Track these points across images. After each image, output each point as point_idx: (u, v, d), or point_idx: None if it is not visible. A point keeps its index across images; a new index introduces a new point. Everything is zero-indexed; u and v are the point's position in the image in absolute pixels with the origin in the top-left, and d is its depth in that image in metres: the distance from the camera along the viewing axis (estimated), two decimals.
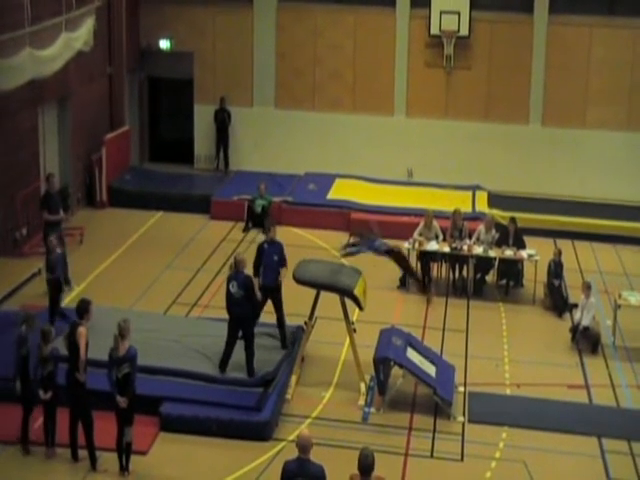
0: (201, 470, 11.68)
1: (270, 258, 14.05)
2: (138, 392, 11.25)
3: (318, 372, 14.02)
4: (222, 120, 23.08)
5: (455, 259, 17.46)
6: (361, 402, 13.25)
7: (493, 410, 13.33)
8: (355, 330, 13.64)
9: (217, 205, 20.86)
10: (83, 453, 11.57)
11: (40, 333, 11.55)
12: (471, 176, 22.05)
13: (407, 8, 22.41)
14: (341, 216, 20.13)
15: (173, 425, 12.36)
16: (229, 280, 13.10)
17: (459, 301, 17.02)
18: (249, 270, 13.38)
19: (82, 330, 11.33)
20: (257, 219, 20.08)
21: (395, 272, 17.52)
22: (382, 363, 13.07)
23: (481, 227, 17.75)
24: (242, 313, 12.98)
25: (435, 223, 17.72)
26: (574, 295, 16.65)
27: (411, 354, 13.55)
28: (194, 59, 23.38)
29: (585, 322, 15.37)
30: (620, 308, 15.68)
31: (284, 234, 15.05)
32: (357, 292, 13.38)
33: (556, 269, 16.93)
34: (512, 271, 17.42)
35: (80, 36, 18.29)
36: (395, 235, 18.80)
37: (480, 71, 22.43)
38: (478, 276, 17.43)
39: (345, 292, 13.45)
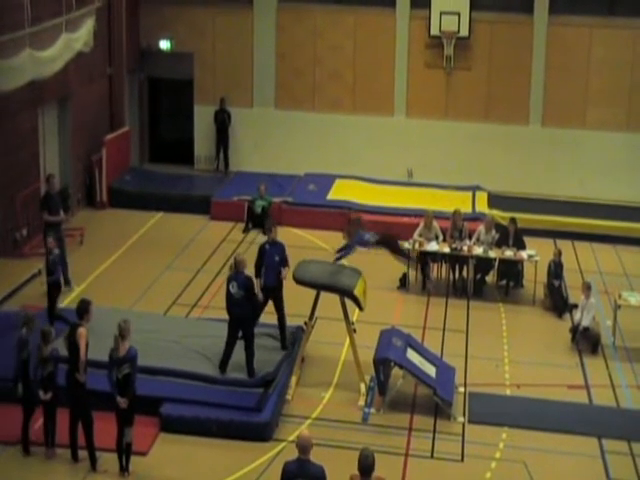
0: (201, 471, 11.69)
1: (272, 259, 14.06)
2: (138, 393, 11.25)
3: (318, 372, 14.02)
4: (222, 121, 23.08)
5: (455, 260, 17.46)
6: (361, 403, 13.25)
7: (493, 410, 13.33)
8: (355, 330, 13.65)
9: (217, 206, 20.87)
10: (83, 453, 11.58)
11: (40, 334, 11.56)
12: (471, 177, 22.05)
13: (407, 9, 22.41)
14: (341, 217, 20.10)
15: (173, 426, 12.37)
16: (229, 281, 13.11)
17: (459, 302, 17.02)
18: (249, 270, 13.38)
19: (82, 331, 11.33)
20: (257, 220, 20.10)
21: (395, 272, 17.55)
22: (382, 364, 13.07)
23: (481, 227, 17.76)
24: (242, 314, 12.99)
25: (435, 224, 17.73)
26: (574, 295, 16.65)
27: (411, 355, 13.55)
28: (194, 60, 23.39)
29: (585, 322, 15.37)
30: (620, 308, 15.68)
31: (284, 234, 15.06)
32: (357, 292, 13.39)
33: (556, 269, 16.93)
34: (512, 272, 17.42)
35: (80, 37, 18.29)
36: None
37: (480, 72, 22.43)
38: (478, 277, 17.43)
39: (345, 292, 13.46)
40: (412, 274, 17.46)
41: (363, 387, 13.40)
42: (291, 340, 14.16)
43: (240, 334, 13.13)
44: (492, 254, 17.26)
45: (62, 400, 11.51)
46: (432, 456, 12.22)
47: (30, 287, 16.40)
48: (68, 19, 17.83)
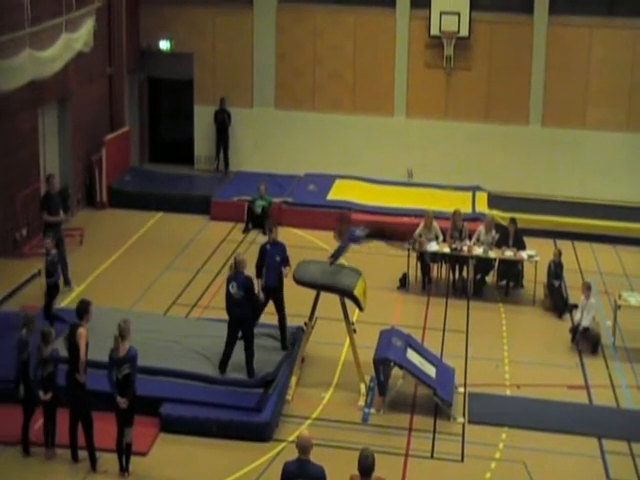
0: (201, 471, 11.69)
1: (273, 259, 14.06)
2: (138, 393, 11.25)
3: (318, 373, 14.02)
4: (222, 121, 23.08)
5: (455, 260, 17.45)
6: (361, 403, 13.25)
7: (493, 411, 13.33)
8: (355, 331, 13.65)
9: (217, 206, 20.87)
10: (83, 454, 11.58)
11: (40, 334, 11.55)
12: (471, 177, 22.05)
13: (407, 9, 22.42)
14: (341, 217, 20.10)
15: (173, 426, 12.37)
16: (229, 281, 13.10)
17: (459, 302, 17.02)
18: (249, 271, 13.38)
19: (82, 331, 11.33)
20: (257, 220, 20.11)
21: (395, 273, 17.56)
22: (382, 364, 13.07)
23: (481, 228, 17.76)
24: (242, 314, 12.99)
25: (435, 224, 17.72)
26: (574, 296, 16.66)
27: (411, 355, 13.55)
28: (194, 60, 23.39)
29: (585, 323, 15.38)
30: (620, 309, 15.68)
31: (284, 235, 15.06)
32: (357, 293, 13.39)
33: (556, 270, 16.93)
34: (512, 272, 17.42)
35: (80, 37, 18.29)
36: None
37: (480, 72, 22.43)
38: (478, 277, 17.43)
39: (345, 293, 13.46)
40: (412, 274, 17.48)
41: (363, 387, 13.40)
42: (291, 340, 14.16)
43: (240, 334, 13.13)
44: (492, 254, 17.26)
45: (62, 400, 11.51)
46: (432, 456, 12.22)
47: (30, 287, 16.40)
48: (68, 19, 17.83)
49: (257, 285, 13.63)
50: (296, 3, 22.85)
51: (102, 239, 19.19)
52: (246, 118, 23.21)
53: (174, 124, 24.73)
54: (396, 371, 13.25)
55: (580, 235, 19.99)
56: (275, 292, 14.09)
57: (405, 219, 19.54)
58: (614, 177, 21.96)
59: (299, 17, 22.89)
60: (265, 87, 23.21)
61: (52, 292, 14.67)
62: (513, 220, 17.85)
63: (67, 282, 16.52)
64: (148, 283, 17.13)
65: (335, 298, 13.59)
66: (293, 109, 23.15)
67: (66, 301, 15.87)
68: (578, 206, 21.27)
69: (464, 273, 17.43)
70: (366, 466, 8.45)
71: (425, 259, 17.49)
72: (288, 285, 14.13)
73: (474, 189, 21.69)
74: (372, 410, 13.14)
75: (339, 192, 21.37)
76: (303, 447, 8.65)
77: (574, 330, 15.50)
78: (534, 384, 14.09)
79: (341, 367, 14.26)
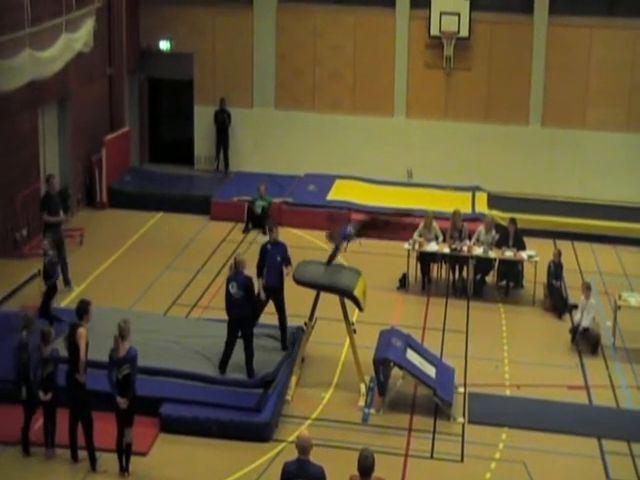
0: (201, 471, 11.69)
1: (274, 259, 14.08)
2: (138, 393, 11.26)
3: (318, 373, 14.02)
4: (222, 121, 23.09)
5: (455, 260, 17.46)
6: (361, 403, 13.26)
7: (493, 411, 13.33)
8: (355, 331, 13.65)
9: (217, 206, 20.87)
10: (83, 454, 11.58)
11: (40, 334, 11.56)
12: (471, 177, 22.06)
13: (407, 9, 22.42)
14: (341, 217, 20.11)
15: (173, 426, 12.37)
16: (229, 281, 13.11)
17: (459, 302, 17.02)
18: (249, 271, 13.38)
19: (82, 331, 11.33)
20: (257, 220, 20.12)
21: (395, 273, 17.56)
22: (382, 364, 13.07)
23: (481, 228, 17.76)
24: (242, 314, 12.99)
25: (435, 224, 17.73)
26: (574, 296, 16.66)
27: (411, 355, 13.55)
28: (194, 60, 23.39)
29: (585, 323, 15.38)
30: (620, 309, 15.68)
31: (284, 235, 15.07)
32: (357, 293, 13.39)
33: (556, 270, 16.94)
34: (512, 272, 17.42)
35: (80, 37, 18.29)
36: (395, 236, 18.89)
37: (480, 72, 22.43)
38: (478, 277, 17.43)
39: (345, 293, 13.46)
40: (412, 274, 17.48)
41: (363, 387, 13.40)
42: (291, 340, 14.17)
43: (239, 334, 13.13)
44: (492, 254, 17.26)
45: (62, 400, 11.51)
46: (432, 456, 12.23)
47: (30, 287, 16.38)
48: (68, 19, 17.83)
49: (257, 285, 13.64)
50: (296, 3, 22.86)
51: (102, 239, 19.19)
52: (246, 118, 23.22)
53: (174, 124, 24.73)
54: (396, 371, 13.25)
55: (580, 235, 19.99)
56: (276, 292, 14.10)
57: (405, 219, 19.52)
58: (614, 177, 21.96)
59: (299, 17, 22.89)
60: (265, 87, 23.22)
61: (50, 292, 14.67)
62: (513, 220, 17.85)
63: (67, 282, 16.52)
64: (148, 283, 17.13)
65: (335, 298, 13.60)
66: (293, 109, 23.15)
67: (66, 301, 15.89)
68: (578, 206, 21.27)
69: (464, 273, 17.44)
70: (366, 466, 8.45)
71: (425, 259, 17.50)
72: (288, 285, 14.14)
73: (474, 189, 21.69)
74: (372, 410, 13.14)
75: (339, 192, 21.37)
76: (303, 447, 8.65)
77: (574, 330, 15.50)
78: (534, 384, 14.10)
79: (341, 367, 14.26)
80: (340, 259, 17.19)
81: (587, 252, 19.61)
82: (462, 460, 12.15)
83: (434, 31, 22.07)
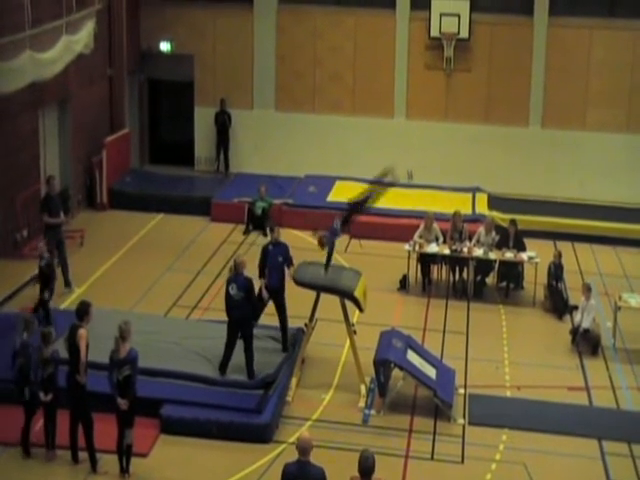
0: (201, 472, 11.69)
1: (275, 259, 14.08)
2: (139, 394, 11.25)
3: (318, 374, 14.02)
4: (222, 122, 23.10)
5: (455, 261, 17.45)
6: (361, 404, 13.25)
7: (493, 412, 13.33)
8: (355, 332, 13.65)
9: (217, 207, 20.87)
10: (83, 455, 11.58)
11: (40, 335, 11.57)
12: (471, 178, 22.05)
13: (407, 10, 22.43)
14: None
15: (173, 427, 12.37)
16: (229, 282, 13.11)
17: (459, 303, 17.02)
18: (249, 272, 13.38)
19: (82, 332, 11.33)
20: (257, 221, 20.13)
21: (395, 274, 17.56)
22: (382, 365, 13.07)
23: (481, 229, 17.76)
24: (242, 315, 12.99)
25: (435, 225, 17.72)
26: (574, 297, 16.66)
27: (411, 356, 13.55)
28: (194, 61, 23.40)
29: (585, 324, 15.38)
30: (620, 310, 15.68)
31: (284, 236, 15.07)
32: (357, 294, 13.39)
33: (556, 271, 16.94)
34: (512, 273, 17.42)
35: (81, 39, 18.31)
36: (395, 237, 18.91)
37: (480, 73, 22.44)
38: (478, 278, 17.43)
39: (345, 294, 13.46)
40: (412, 276, 17.48)
41: (363, 389, 13.40)
42: (291, 342, 14.17)
43: (240, 336, 13.13)
44: (492, 256, 17.26)
45: (62, 402, 11.51)
46: (432, 458, 12.22)
47: (30, 288, 16.39)
48: (68, 21, 17.85)
49: (258, 286, 13.64)
50: (296, 4, 22.87)
51: (102, 240, 19.19)
52: (246, 120, 23.23)
53: (174, 126, 24.75)
54: (396, 372, 13.25)
55: (580, 236, 19.99)
56: (276, 293, 14.11)
57: (405, 220, 19.53)
58: (614, 178, 21.96)
59: (299, 18, 22.90)
60: (265, 89, 23.23)
61: (49, 290, 14.67)
62: (513, 221, 17.85)
63: (67, 284, 16.53)
64: (149, 284, 17.13)
65: (335, 299, 13.60)
66: (293, 111, 23.16)
67: (67, 302, 15.89)
68: (578, 207, 21.26)
69: (464, 274, 17.44)
70: (366, 467, 8.46)
71: (425, 260, 17.50)
72: (288, 286, 14.13)
73: (474, 190, 21.69)
74: (372, 411, 13.14)
75: (339, 193, 21.34)
76: (303, 448, 8.66)
77: (574, 331, 15.50)
78: (534, 385, 14.10)
79: (341, 368, 14.26)
80: (341, 260, 17.24)
81: (587, 253, 19.62)
82: (462, 461, 12.15)
83: (434, 32, 22.08)
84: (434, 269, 17.70)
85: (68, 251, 16.81)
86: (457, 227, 17.65)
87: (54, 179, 17.13)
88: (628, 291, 16.89)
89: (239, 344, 13.14)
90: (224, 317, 13.29)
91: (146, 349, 12.52)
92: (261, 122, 23.28)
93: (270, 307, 14.25)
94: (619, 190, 21.84)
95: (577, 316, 15.67)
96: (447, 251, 17.36)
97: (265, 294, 13.99)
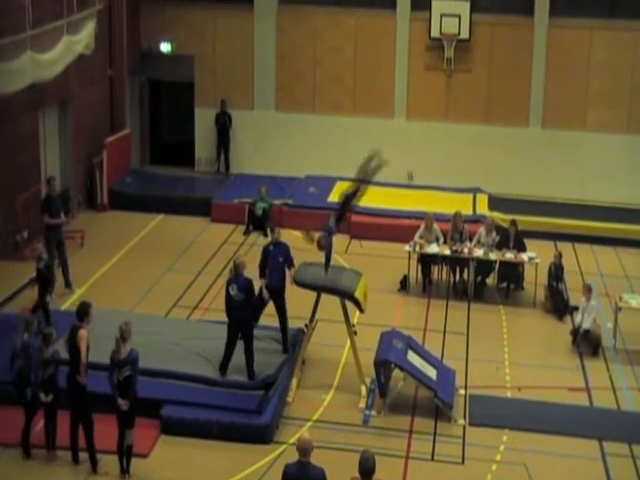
0: (202, 473, 11.69)
1: (275, 259, 14.09)
2: (139, 395, 11.26)
3: (319, 375, 14.02)
4: (223, 123, 23.10)
5: (456, 262, 17.45)
6: (362, 405, 13.25)
7: (494, 413, 13.33)
8: (356, 333, 13.65)
9: (218, 208, 20.87)
10: (84, 456, 11.59)
11: (41, 336, 11.57)
12: (471, 179, 22.05)
13: (407, 11, 22.42)
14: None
15: (174, 428, 12.37)
16: (229, 283, 13.10)
17: (460, 304, 17.02)
18: (249, 273, 13.38)
19: (83, 333, 11.33)
20: (258, 222, 20.13)
21: (396, 275, 17.56)
22: (383, 366, 13.07)
23: (482, 230, 17.76)
24: (242, 316, 12.98)
25: (436, 226, 17.72)
26: (575, 298, 16.66)
27: (412, 357, 13.55)
28: (195, 62, 23.40)
29: (586, 325, 15.38)
30: (621, 311, 15.68)
31: (285, 237, 15.07)
32: (358, 294, 13.39)
33: (557, 272, 16.94)
34: (513, 274, 17.42)
35: (81, 39, 18.32)
36: (396, 238, 18.91)
37: (480, 74, 22.44)
38: (479, 279, 17.43)
39: (346, 294, 13.46)
40: (413, 276, 17.48)
41: (364, 389, 13.40)
42: (292, 342, 14.16)
43: (240, 336, 13.13)
44: (493, 256, 17.26)
45: (63, 402, 11.51)
46: (433, 459, 12.22)
47: (30, 289, 16.39)
48: (69, 22, 17.86)
49: (258, 285, 13.64)
50: (296, 5, 22.87)
51: (103, 241, 19.19)
52: (247, 120, 23.23)
53: (175, 126, 24.75)
54: (397, 373, 13.25)
55: (581, 237, 19.98)
56: (277, 294, 14.11)
57: (406, 221, 19.53)
58: (614, 179, 21.96)
59: (299, 19, 22.90)
60: (265, 89, 23.23)
61: (49, 290, 14.68)
62: (514, 222, 17.84)
63: (68, 284, 16.54)
64: (149, 285, 17.14)
65: (336, 300, 13.60)
66: (293, 111, 23.15)
67: (67, 303, 15.90)
68: (578, 208, 21.26)
69: (465, 275, 17.43)
70: (367, 468, 8.46)
71: (426, 261, 17.50)
72: (289, 287, 14.13)
73: (474, 191, 21.68)
74: (373, 412, 13.14)
75: (340, 194, 21.32)
76: (304, 449, 8.66)
77: (575, 332, 15.50)
78: (535, 386, 14.10)
79: (342, 369, 14.26)
80: (341, 261, 17.25)
81: (588, 254, 19.61)
82: (463, 462, 12.15)
83: (434, 33, 22.08)
84: (434, 270, 17.70)
85: (68, 252, 16.81)
86: (457, 228, 17.65)
87: (54, 180, 17.13)
88: (629, 292, 16.89)
89: (239, 345, 13.14)
90: (224, 318, 13.29)
91: (147, 350, 12.52)
92: (261, 123, 23.28)
93: (270, 308, 14.25)
94: (619, 191, 21.84)
95: (578, 317, 15.67)
96: (447, 252, 17.35)
97: (266, 294, 14.02)
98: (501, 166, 22.35)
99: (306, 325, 13.87)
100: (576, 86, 22.14)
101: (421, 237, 17.63)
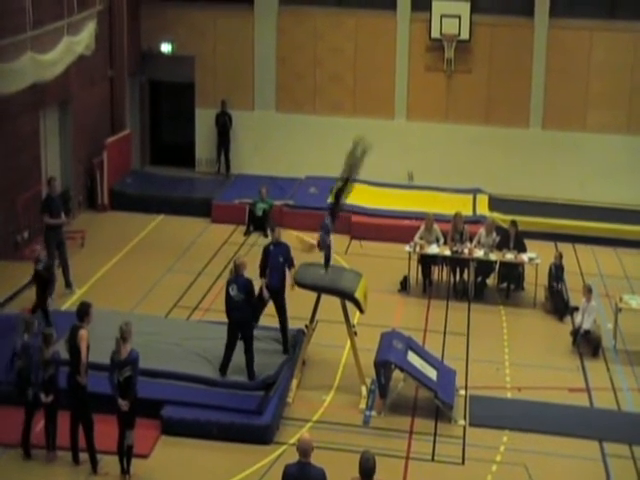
0: (202, 473, 11.70)
1: (276, 259, 14.09)
2: (139, 395, 11.26)
3: (319, 375, 14.02)
4: (223, 123, 23.10)
5: (456, 262, 17.45)
6: (362, 405, 13.25)
7: (494, 413, 13.33)
8: (356, 333, 13.66)
9: (218, 208, 20.88)
10: (84, 456, 11.58)
11: (41, 336, 11.57)
12: (472, 179, 22.06)
13: (408, 11, 22.43)
14: (342, 219, 20.06)
15: (174, 428, 12.37)
16: (229, 284, 13.11)
17: (460, 304, 17.02)
18: (250, 273, 13.38)
19: (83, 333, 11.34)
20: (258, 222, 20.13)
21: (396, 275, 17.56)
22: (383, 366, 13.07)
23: (482, 230, 17.76)
24: (242, 317, 12.98)
25: (436, 226, 17.73)
26: (575, 298, 16.66)
27: (412, 357, 13.55)
28: (195, 62, 23.41)
29: (586, 325, 15.38)
30: (621, 311, 15.68)
31: (285, 237, 15.08)
32: (358, 295, 13.39)
33: (557, 272, 16.94)
34: (513, 274, 17.42)
35: (82, 40, 18.33)
36: (396, 238, 18.92)
37: (480, 74, 22.45)
38: (479, 279, 17.43)
39: (346, 295, 13.46)
40: (413, 277, 17.48)
41: (364, 390, 13.40)
42: (292, 343, 14.17)
43: (240, 337, 13.13)
44: (493, 257, 17.26)
45: (63, 403, 11.52)
46: (433, 459, 12.22)
47: (31, 290, 16.39)
48: (70, 22, 17.87)
49: (259, 285, 13.64)
50: (296, 5, 22.87)
51: (103, 242, 19.20)
52: (247, 121, 23.24)
53: (175, 127, 24.76)
54: (397, 374, 13.25)
55: (581, 237, 19.99)
56: (277, 295, 14.11)
57: (406, 222, 19.54)
58: (614, 179, 21.97)
59: (300, 20, 22.91)
60: (266, 90, 23.24)
61: (49, 291, 14.68)
62: (514, 222, 17.85)
63: (68, 285, 16.54)
64: (149, 286, 17.14)
65: (336, 300, 13.60)
66: (294, 112, 23.16)
67: (67, 304, 15.90)
68: (579, 208, 21.26)
69: (465, 276, 17.44)
70: (367, 469, 8.45)
71: (426, 261, 17.50)
72: (289, 288, 14.13)
73: (475, 192, 21.68)
74: (373, 413, 13.14)
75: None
76: (304, 450, 8.66)
77: (575, 333, 15.50)
78: (535, 387, 14.10)
79: (342, 370, 14.26)
80: (341, 261, 17.26)
81: (588, 254, 19.61)
82: (463, 463, 12.15)
83: (435, 34, 22.09)
84: (435, 270, 17.70)
85: (69, 252, 16.81)
86: (458, 228, 17.65)
87: (55, 180, 17.12)
88: (629, 292, 16.89)
89: (239, 345, 13.15)
90: (225, 318, 13.29)
91: (147, 350, 12.52)
92: (262, 123, 23.29)
93: (270, 308, 14.25)
94: (620, 191, 21.85)
95: (578, 317, 15.67)
96: (448, 252, 17.36)
97: (266, 294, 14.03)
98: (501, 167, 22.35)
99: (306, 326, 13.87)
100: (576, 87, 22.15)
101: (421, 238, 17.63)
